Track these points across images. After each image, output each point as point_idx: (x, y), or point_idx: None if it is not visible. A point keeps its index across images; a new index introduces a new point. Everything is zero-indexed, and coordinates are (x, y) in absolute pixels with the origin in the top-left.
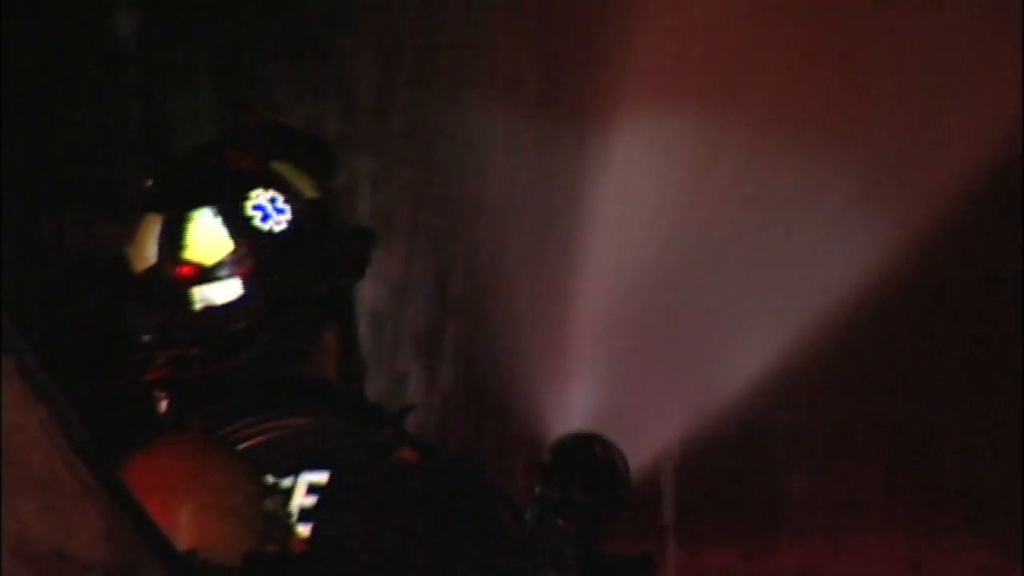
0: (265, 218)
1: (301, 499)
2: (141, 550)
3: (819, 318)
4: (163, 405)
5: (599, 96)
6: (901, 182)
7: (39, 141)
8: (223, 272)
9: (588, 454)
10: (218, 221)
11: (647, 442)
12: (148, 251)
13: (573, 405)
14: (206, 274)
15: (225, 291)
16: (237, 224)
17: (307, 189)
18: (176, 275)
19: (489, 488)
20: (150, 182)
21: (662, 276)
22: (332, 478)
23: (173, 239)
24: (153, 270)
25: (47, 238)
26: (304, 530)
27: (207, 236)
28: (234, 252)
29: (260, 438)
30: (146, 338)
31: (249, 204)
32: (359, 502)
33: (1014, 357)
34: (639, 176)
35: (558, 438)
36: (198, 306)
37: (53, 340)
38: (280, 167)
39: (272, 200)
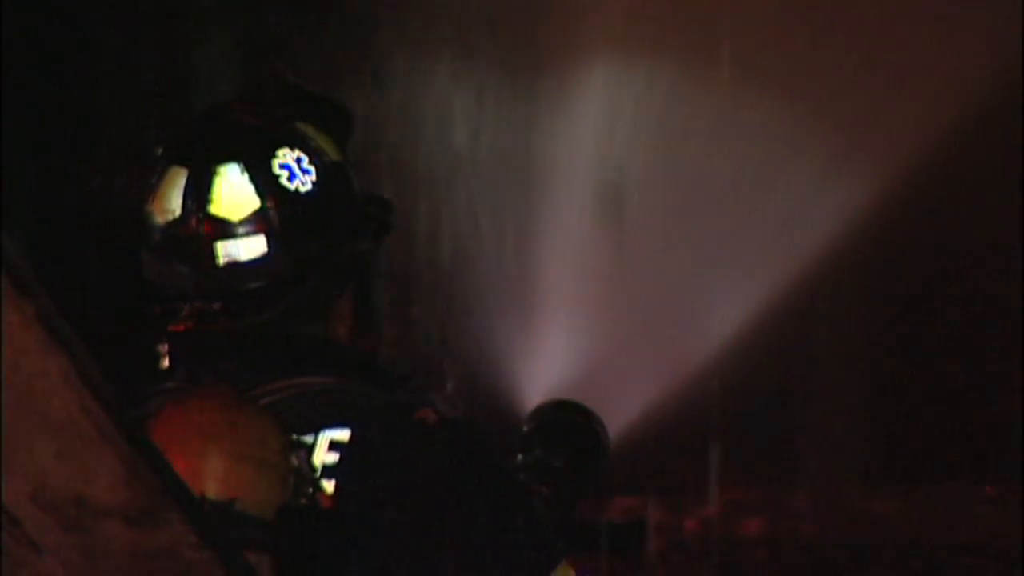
0: (292, 177)
1: (323, 455)
2: (160, 496)
3: (794, 278)
4: (165, 361)
5: (566, 47)
6: (874, 145)
7: (58, 90)
8: (249, 229)
9: (568, 422)
10: (245, 178)
11: (622, 403)
12: (172, 204)
13: (544, 367)
14: (232, 230)
15: (250, 248)
16: (264, 181)
17: (331, 151)
18: (201, 229)
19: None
20: (175, 134)
21: (634, 236)
22: (354, 435)
23: (199, 193)
24: (177, 223)
25: (66, 186)
26: (328, 486)
27: (234, 192)
28: (260, 209)
29: (278, 395)
30: (169, 290)
31: (276, 162)
32: (384, 459)
33: (981, 315)
34: (611, 134)
35: (537, 406)
36: (222, 261)
37: (73, 287)
38: (304, 127)
39: (298, 160)
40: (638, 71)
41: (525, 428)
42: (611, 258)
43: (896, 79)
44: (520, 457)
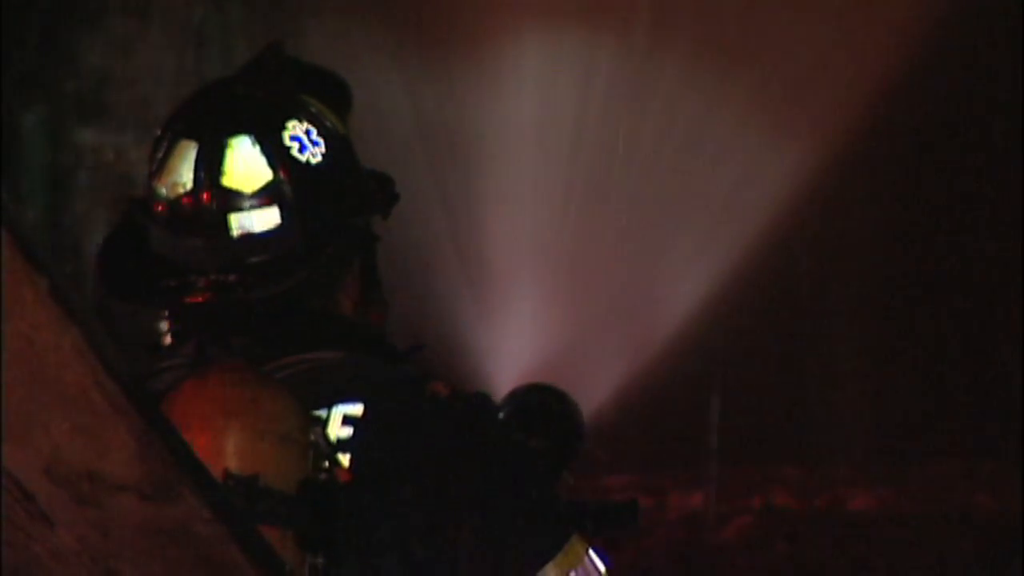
0: (303, 149)
1: (336, 430)
2: (173, 471)
3: (741, 244)
4: (172, 335)
5: (510, 20)
6: (812, 116)
7: (73, 60)
8: (262, 200)
9: (543, 405)
10: (256, 150)
11: (594, 381)
12: (183, 177)
13: (510, 348)
14: (245, 202)
15: (264, 219)
16: (276, 153)
17: (337, 124)
18: (214, 202)
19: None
20: (180, 108)
21: (590, 208)
22: (368, 409)
23: (211, 166)
24: (189, 196)
25: (78, 158)
26: (344, 460)
27: (246, 164)
28: (273, 181)
29: (291, 370)
30: (182, 262)
31: (287, 134)
32: (398, 433)
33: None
34: (560, 106)
35: (512, 391)
36: (236, 233)
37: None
38: (310, 100)
39: (308, 132)
40: (578, 44)
41: (501, 414)
42: (568, 231)
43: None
44: None
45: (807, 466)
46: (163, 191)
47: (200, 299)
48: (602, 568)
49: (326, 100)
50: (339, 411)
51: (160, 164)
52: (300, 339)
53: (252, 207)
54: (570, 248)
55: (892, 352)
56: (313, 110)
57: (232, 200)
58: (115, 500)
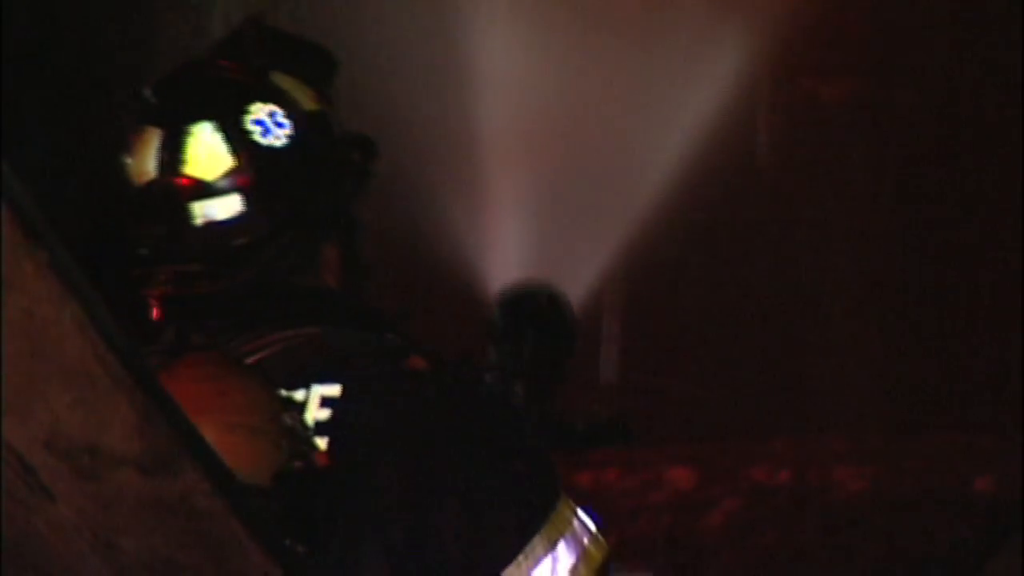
0: (265, 133)
1: (315, 412)
2: (173, 445)
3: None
4: (150, 323)
5: None
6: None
7: (74, 41)
8: (224, 187)
9: (533, 306)
10: (218, 136)
11: (583, 278)
12: (147, 164)
13: (500, 251)
14: (207, 189)
15: (226, 207)
16: (237, 139)
17: (307, 101)
18: (176, 190)
19: (497, 395)
20: (149, 93)
21: (585, 88)
22: (345, 391)
23: (173, 153)
24: (153, 184)
25: (79, 134)
26: (321, 444)
27: (207, 151)
28: (235, 167)
29: (267, 351)
30: (146, 252)
31: (249, 119)
32: (375, 413)
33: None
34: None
35: (501, 292)
36: (199, 221)
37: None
38: (280, 79)
39: (272, 114)
40: None
41: (492, 321)
42: (549, 115)
43: None
44: (492, 355)
45: (797, 439)
46: (133, 178)
47: (160, 291)
48: (592, 527)
49: (307, 71)
50: (317, 392)
51: (129, 151)
52: (278, 316)
53: (215, 194)
54: (564, 132)
55: (889, 316)
56: (284, 87)
57: (194, 188)
58: (116, 474)
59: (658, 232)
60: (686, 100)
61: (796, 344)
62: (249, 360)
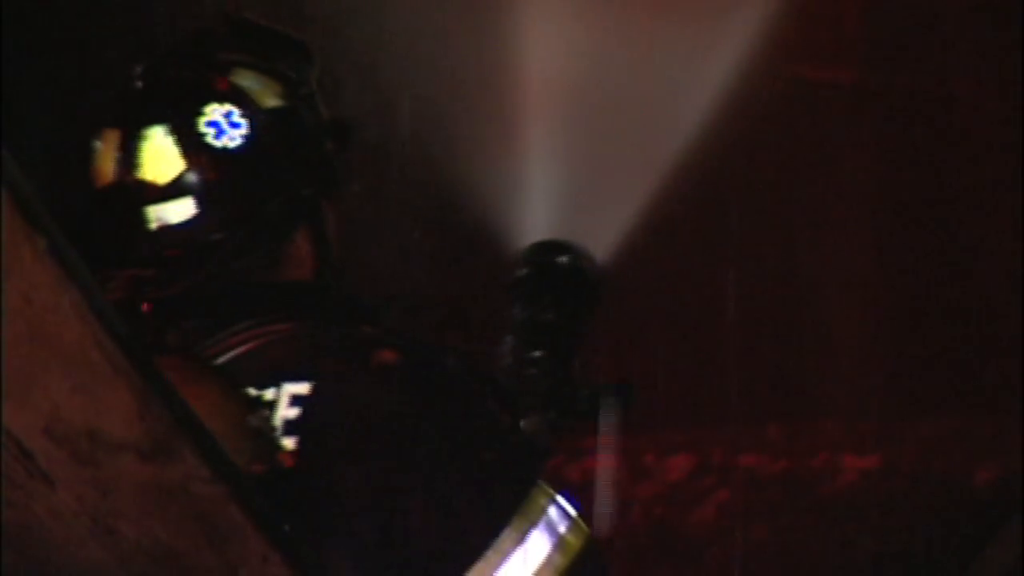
0: (219, 134)
1: (285, 411)
2: (172, 431)
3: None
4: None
5: None
6: None
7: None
8: (176, 191)
9: (556, 265)
10: (170, 140)
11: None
12: (105, 168)
13: (532, 210)
14: (160, 193)
15: (179, 210)
16: (189, 142)
17: (269, 98)
18: (131, 193)
19: (474, 379)
20: (113, 94)
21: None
22: (313, 390)
23: (128, 156)
24: (111, 187)
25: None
26: (289, 443)
27: (160, 154)
28: (186, 170)
29: (238, 349)
30: (104, 257)
31: (203, 120)
32: (342, 412)
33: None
34: None
35: (524, 249)
36: (153, 226)
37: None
38: (242, 76)
39: (227, 115)
40: None
41: (513, 280)
42: (584, 66)
43: None
44: (515, 315)
45: (793, 424)
46: (96, 181)
47: (115, 296)
48: (572, 511)
49: (276, 66)
50: (287, 390)
51: (93, 153)
52: (249, 314)
53: (167, 198)
54: (587, 82)
55: (887, 293)
56: (244, 85)
57: (147, 192)
58: (114, 459)
59: (670, 205)
60: (710, 71)
61: (793, 330)
62: (220, 360)
